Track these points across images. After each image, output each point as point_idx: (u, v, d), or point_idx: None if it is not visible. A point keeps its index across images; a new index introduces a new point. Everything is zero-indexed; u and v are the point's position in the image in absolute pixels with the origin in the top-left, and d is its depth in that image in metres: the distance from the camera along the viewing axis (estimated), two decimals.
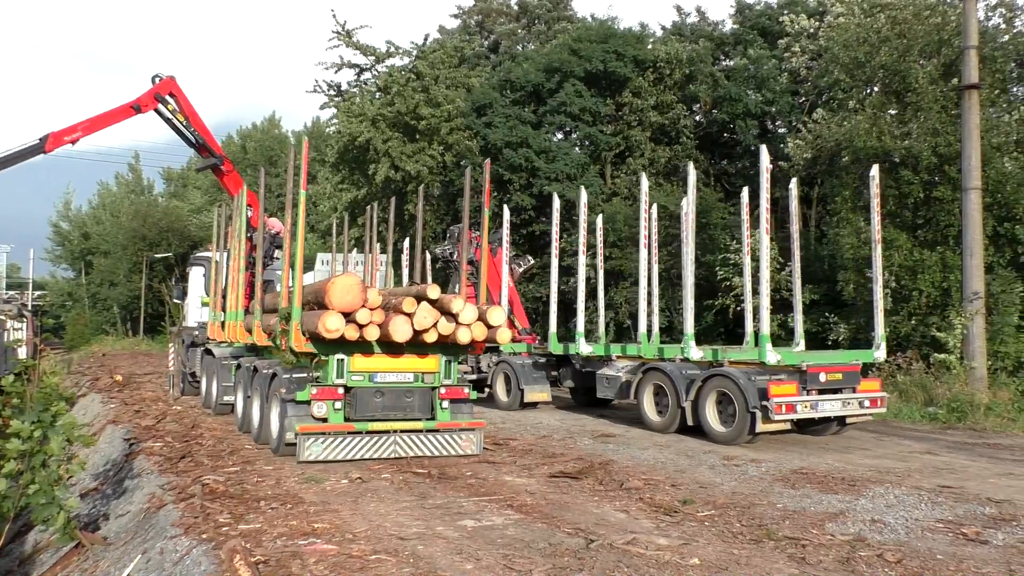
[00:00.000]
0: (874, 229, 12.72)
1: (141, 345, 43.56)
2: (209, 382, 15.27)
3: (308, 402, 9.49)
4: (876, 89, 20.49)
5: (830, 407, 11.44)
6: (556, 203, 15.72)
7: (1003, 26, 18.84)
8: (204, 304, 17.02)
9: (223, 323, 13.81)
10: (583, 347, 14.51)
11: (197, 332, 16.98)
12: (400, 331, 9.28)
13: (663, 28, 32.32)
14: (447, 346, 9.96)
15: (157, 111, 17.18)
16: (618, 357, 14.09)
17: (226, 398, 13.85)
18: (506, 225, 17.15)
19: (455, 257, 18.59)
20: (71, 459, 6.90)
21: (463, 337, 9.69)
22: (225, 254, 14.47)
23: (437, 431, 10.06)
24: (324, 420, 9.55)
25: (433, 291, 9.63)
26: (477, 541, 6.22)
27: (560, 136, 30.42)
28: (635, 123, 28.49)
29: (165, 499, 7.66)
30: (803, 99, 27.31)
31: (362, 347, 9.64)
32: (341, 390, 9.64)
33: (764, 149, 11.65)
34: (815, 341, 17.13)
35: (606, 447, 11.21)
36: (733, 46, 29.85)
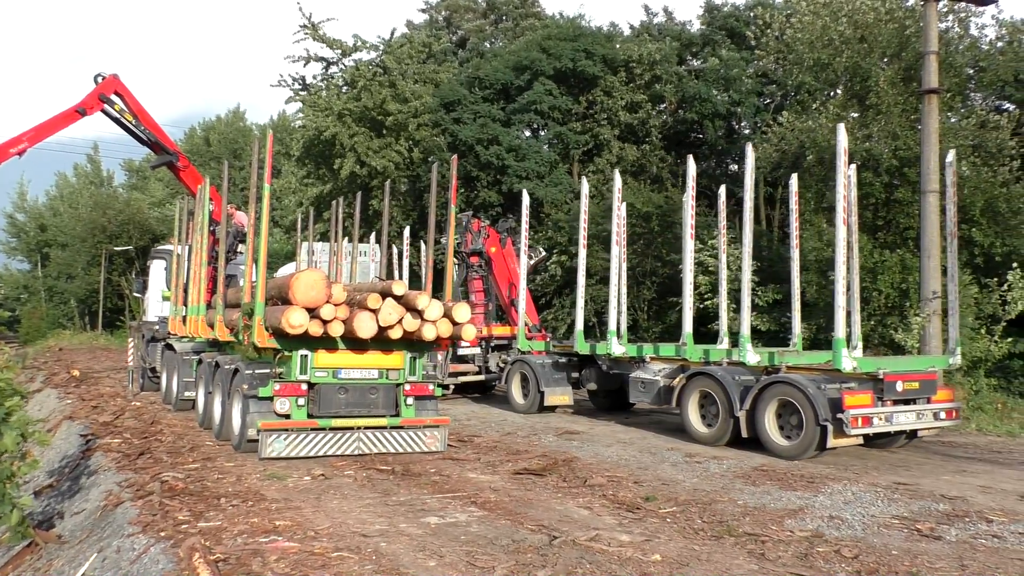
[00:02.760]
0: (949, 222, 11.71)
1: (100, 340, 42.69)
2: (170, 378, 15.05)
3: (271, 398, 9.40)
4: (839, 91, 20.83)
5: (905, 419, 10.35)
6: (584, 188, 14.22)
7: (957, 28, 19.22)
8: (165, 298, 16.76)
9: (185, 318, 13.60)
10: (615, 347, 13.07)
11: (158, 327, 16.71)
12: (365, 327, 9.22)
13: (631, 27, 32.52)
14: (412, 343, 9.92)
15: (104, 111, 16.77)
16: (652, 359, 12.90)
17: (187, 394, 13.66)
18: (525, 212, 15.76)
19: (463, 248, 18.21)
20: (24, 456, 6.75)
21: (428, 334, 9.65)
22: (187, 248, 14.24)
23: (401, 428, 10.02)
24: (287, 416, 9.46)
25: (399, 287, 9.58)
26: (440, 538, 6.20)
27: (528, 134, 30.47)
28: (604, 122, 28.63)
29: (123, 496, 7.53)
30: (769, 100, 27.68)
31: (326, 343, 9.56)
32: (304, 386, 9.55)
33: (842, 129, 10.41)
34: (776, 340, 17.33)
35: (570, 444, 11.25)
36: (701, 47, 30.15)
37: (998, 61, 18.83)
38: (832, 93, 21.19)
